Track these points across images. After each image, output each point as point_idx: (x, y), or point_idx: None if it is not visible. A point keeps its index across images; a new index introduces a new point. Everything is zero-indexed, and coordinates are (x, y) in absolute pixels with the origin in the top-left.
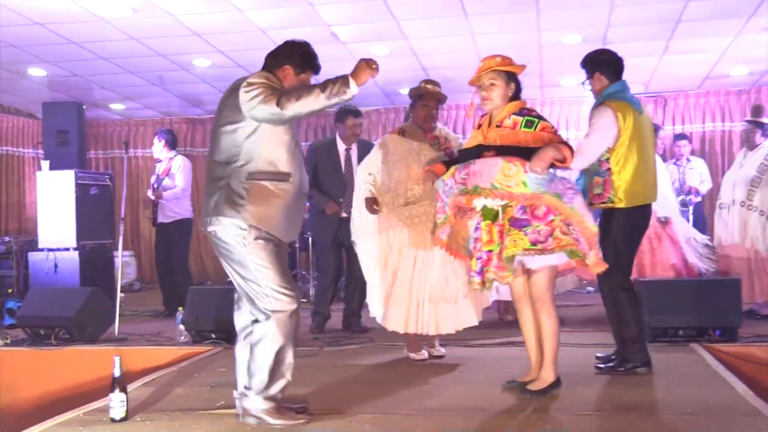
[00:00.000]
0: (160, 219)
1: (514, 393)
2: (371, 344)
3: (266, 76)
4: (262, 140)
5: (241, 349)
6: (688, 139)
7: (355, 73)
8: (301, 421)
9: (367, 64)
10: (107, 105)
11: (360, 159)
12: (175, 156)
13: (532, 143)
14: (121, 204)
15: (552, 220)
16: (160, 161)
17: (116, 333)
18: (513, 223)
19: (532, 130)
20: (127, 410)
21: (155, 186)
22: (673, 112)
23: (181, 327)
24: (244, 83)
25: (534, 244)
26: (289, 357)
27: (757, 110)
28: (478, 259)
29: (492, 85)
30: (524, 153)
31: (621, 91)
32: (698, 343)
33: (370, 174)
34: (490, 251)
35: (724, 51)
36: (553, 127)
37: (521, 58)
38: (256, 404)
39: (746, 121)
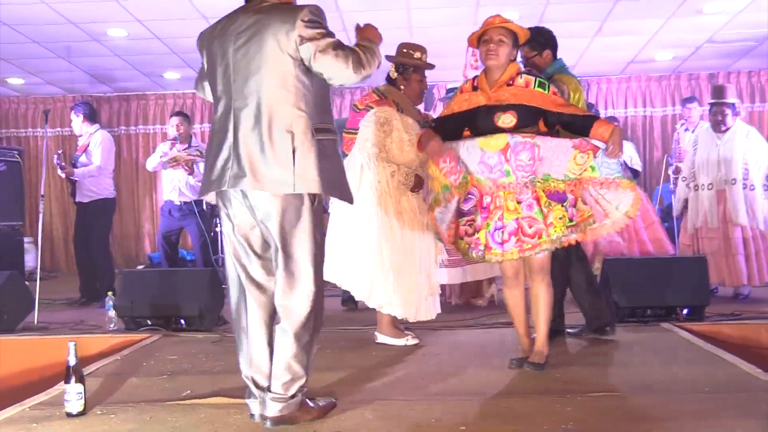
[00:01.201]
0: (78, 198)
1: (522, 370)
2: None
3: (316, 14)
4: (314, 91)
5: (260, 337)
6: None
7: (373, 41)
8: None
9: (378, 31)
10: (4, 80)
11: None
12: (96, 131)
13: (552, 106)
14: (41, 181)
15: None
16: (80, 136)
17: (35, 321)
18: (552, 195)
19: (546, 92)
20: (85, 403)
21: (61, 164)
22: (596, 97)
23: (111, 314)
24: (304, 16)
25: (571, 219)
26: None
27: (721, 91)
28: (497, 229)
29: (501, 42)
30: (546, 115)
31: (567, 68)
32: (668, 322)
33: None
34: (518, 218)
35: (654, 34)
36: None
37: (458, 34)
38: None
39: (712, 103)
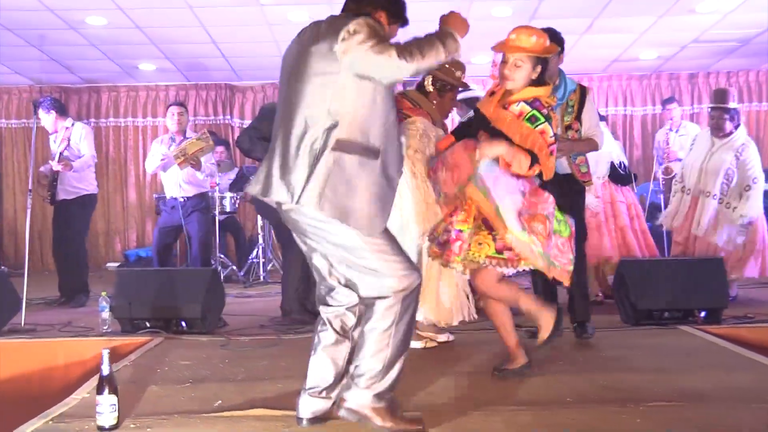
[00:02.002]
0: (61, 196)
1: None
2: None
3: (370, 23)
4: (354, 100)
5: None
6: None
7: (455, 29)
8: (418, 428)
9: (463, 19)
10: None
11: None
12: (74, 124)
13: (520, 141)
14: (28, 175)
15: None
16: (55, 132)
17: (23, 323)
18: (486, 222)
19: (533, 126)
20: (118, 416)
21: (58, 162)
22: None
23: (105, 315)
24: (346, 28)
25: (500, 252)
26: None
27: (722, 95)
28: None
29: (517, 66)
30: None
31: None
32: (687, 325)
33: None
34: (461, 231)
35: (643, 32)
36: (552, 136)
37: None
38: (363, 400)
39: (712, 107)
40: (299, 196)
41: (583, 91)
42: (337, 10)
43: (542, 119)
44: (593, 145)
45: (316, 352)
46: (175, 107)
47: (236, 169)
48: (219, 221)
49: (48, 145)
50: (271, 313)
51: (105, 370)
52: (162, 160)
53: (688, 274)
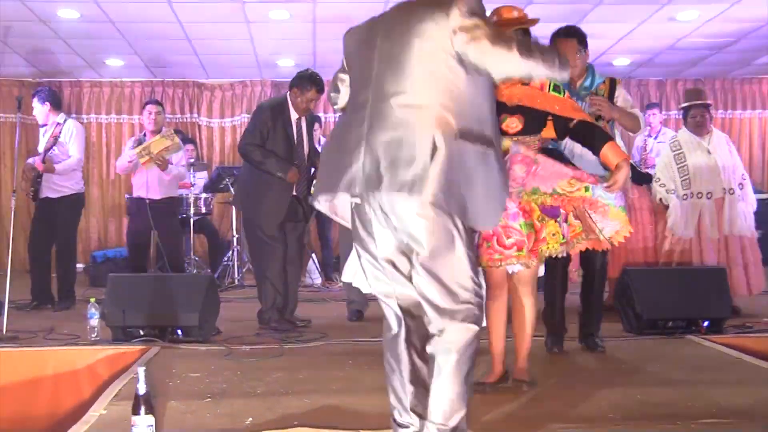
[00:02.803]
0: (46, 193)
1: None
2: (329, 339)
3: (476, 3)
4: (469, 87)
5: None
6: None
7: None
8: None
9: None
10: None
11: (309, 131)
12: (65, 120)
13: (561, 111)
14: (12, 175)
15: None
16: (45, 125)
17: (4, 330)
18: (545, 210)
19: (561, 95)
20: None
21: (42, 160)
22: None
23: (95, 322)
24: (457, 4)
25: (563, 236)
26: None
27: (699, 93)
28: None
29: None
30: (554, 120)
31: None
32: (692, 335)
33: None
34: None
35: (621, 38)
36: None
37: None
38: None
39: (692, 105)
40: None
41: (612, 82)
42: (320, 11)
43: (562, 86)
44: (635, 121)
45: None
46: (152, 105)
47: (210, 169)
48: (193, 222)
49: (38, 137)
50: (255, 319)
51: (141, 389)
52: (129, 161)
53: (691, 284)
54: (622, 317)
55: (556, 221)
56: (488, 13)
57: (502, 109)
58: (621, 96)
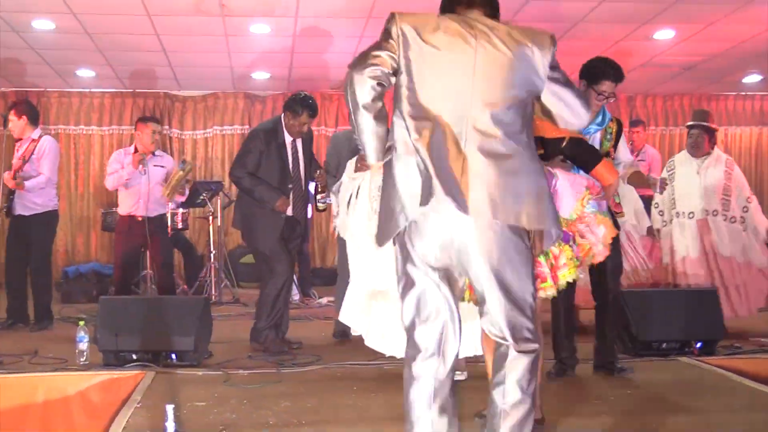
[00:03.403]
0: (19, 210)
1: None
2: (325, 363)
3: None
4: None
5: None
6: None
7: None
8: None
9: None
10: None
11: (305, 152)
12: (41, 137)
13: (551, 132)
14: None
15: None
16: (20, 140)
17: None
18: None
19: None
20: None
21: (14, 177)
22: None
23: (84, 346)
24: (552, 50)
25: (577, 258)
26: None
27: (703, 114)
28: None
29: None
30: (544, 144)
31: None
32: (687, 357)
33: None
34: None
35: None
36: None
37: None
38: None
39: (692, 125)
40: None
41: (620, 123)
42: (301, 25)
43: None
44: (641, 177)
45: None
46: (155, 124)
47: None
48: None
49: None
50: (242, 338)
51: (170, 428)
52: (127, 179)
53: (685, 306)
54: (617, 339)
55: (569, 245)
56: None
57: None
58: (623, 144)
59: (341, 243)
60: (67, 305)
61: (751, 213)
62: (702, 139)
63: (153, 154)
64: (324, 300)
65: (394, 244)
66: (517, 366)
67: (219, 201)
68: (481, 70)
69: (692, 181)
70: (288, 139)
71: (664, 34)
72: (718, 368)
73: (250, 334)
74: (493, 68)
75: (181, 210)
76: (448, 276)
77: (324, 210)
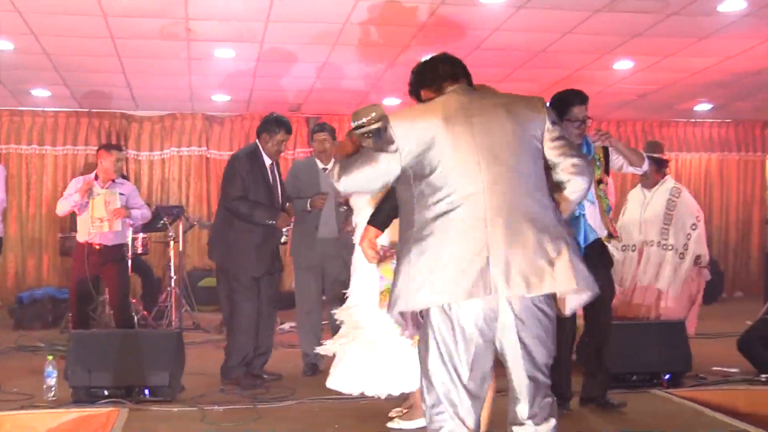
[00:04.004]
0: None
1: None
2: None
3: None
4: None
5: None
6: None
7: None
8: None
9: None
10: None
11: (282, 177)
12: None
13: None
14: None
15: None
16: None
17: None
18: None
19: None
20: None
21: None
22: None
23: (52, 382)
24: (551, 112)
25: None
26: None
27: (654, 146)
28: None
29: None
30: None
31: None
32: (656, 389)
33: None
34: None
35: (555, 83)
36: None
37: None
38: None
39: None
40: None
41: (605, 148)
42: (266, 49)
43: None
44: (638, 155)
45: None
46: (119, 152)
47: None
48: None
49: None
50: (211, 368)
51: None
52: (73, 205)
53: (654, 338)
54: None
55: None
56: None
57: None
58: (614, 156)
59: (298, 273)
60: (22, 332)
61: (693, 239)
62: (651, 171)
63: (113, 181)
64: (286, 326)
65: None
66: None
67: (180, 225)
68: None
69: (635, 215)
70: (267, 162)
71: (623, 65)
72: (688, 401)
73: (221, 371)
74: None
75: (141, 234)
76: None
77: (285, 244)
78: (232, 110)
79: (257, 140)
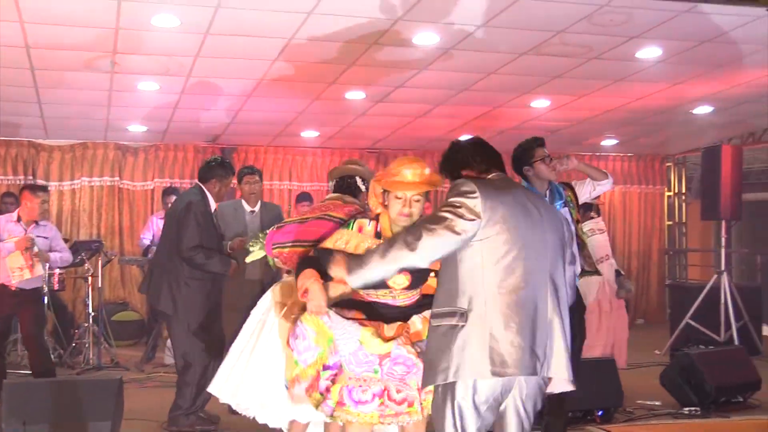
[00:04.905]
0: None
1: None
2: None
3: None
4: None
5: None
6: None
7: None
8: None
9: None
10: None
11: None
12: None
13: None
14: None
15: None
16: None
17: None
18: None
19: None
20: None
21: None
22: None
23: None
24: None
25: None
26: None
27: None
28: (359, 387)
29: (417, 200)
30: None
31: None
32: (590, 425)
33: None
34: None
35: (475, 118)
36: None
37: None
38: None
39: None
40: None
41: (570, 186)
42: (189, 85)
43: None
44: (599, 171)
45: None
46: (45, 194)
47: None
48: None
49: None
50: (142, 413)
51: None
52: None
53: (587, 375)
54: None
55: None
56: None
57: None
58: (580, 184)
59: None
60: None
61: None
62: None
63: (36, 223)
64: None
65: None
66: None
67: (99, 260)
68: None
69: None
70: (213, 206)
71: (541, 103)
72: None
73: (170, 419)
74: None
75: (58, 270)
76: None
77: None
78: (147, 140)
79: (201, 185)
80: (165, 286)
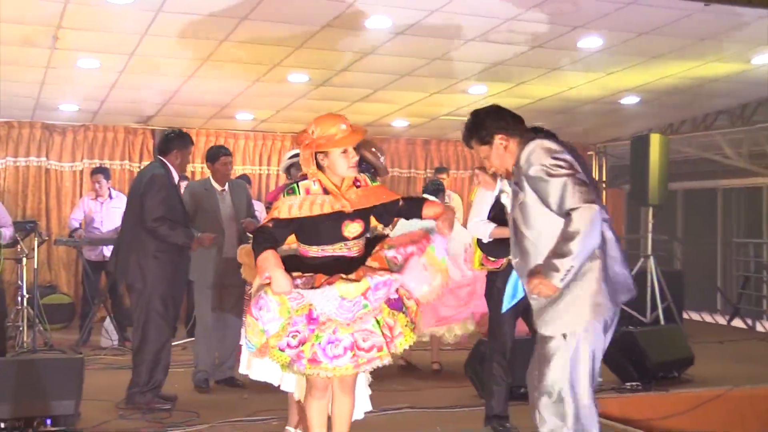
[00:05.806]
0: None
1: None
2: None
3: None
4: None
5: None
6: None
7: None
8: None
9: None
10: None
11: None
12: None
13: (387, 197)
14: None
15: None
16: None
17: None
18: (392, 304)
19: (377, 183)
20: None
21: None
22: None
23: None
24: None
25: (412, 322)
26: None
27: (441, 169)
28: (330, 342)
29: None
30: (384, 207)
31: None
32: None
33: None
34: (353, 332)
35: (408, 105)
36: None
37: None
38: None
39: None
40: None
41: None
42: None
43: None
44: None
45: None
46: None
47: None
48: None
49: None
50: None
51: None
52: None
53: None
54: (476, 386)
55: (402, 312)
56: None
57: (343, 217)
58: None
59: (198, 291)
60: None
61: None
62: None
63: None
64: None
65: None
66: None
67: (35, 241)
68: None
69: None
70: (176, 179)
71: (478, 89)
72: None
73: (128, 396)
74: None
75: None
76: None
77: None
78: (76, 120)
79: (163, 158)
80: (133, 258)
